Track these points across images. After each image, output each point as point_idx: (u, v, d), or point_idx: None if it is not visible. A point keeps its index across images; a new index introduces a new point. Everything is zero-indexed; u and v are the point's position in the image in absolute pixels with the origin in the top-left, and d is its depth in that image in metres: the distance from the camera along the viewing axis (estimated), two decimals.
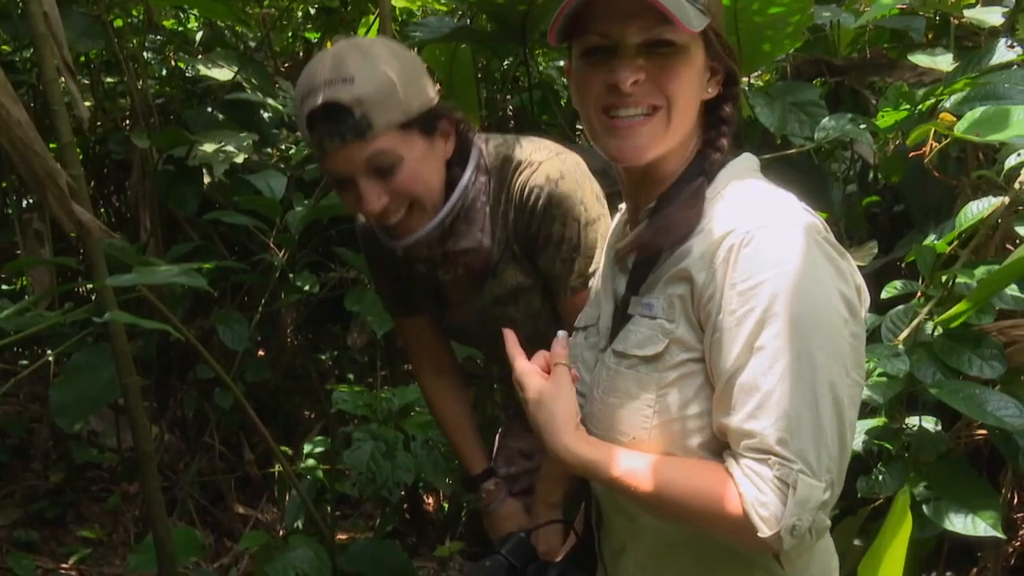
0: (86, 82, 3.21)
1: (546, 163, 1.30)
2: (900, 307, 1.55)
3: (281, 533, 2.41)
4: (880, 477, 1.51)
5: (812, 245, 0.83)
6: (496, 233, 1.34)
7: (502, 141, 1.36)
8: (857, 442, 1.53)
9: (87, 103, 3.32)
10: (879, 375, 1.41)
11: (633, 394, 0.90)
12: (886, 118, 1.75)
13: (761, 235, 0.83)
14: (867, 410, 1.62)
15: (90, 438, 2.85)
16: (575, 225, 1.29)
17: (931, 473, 1.54)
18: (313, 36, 3.45)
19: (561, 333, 0.98)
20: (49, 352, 2.89)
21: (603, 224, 1.31)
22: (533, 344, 1.01)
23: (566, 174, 1.29)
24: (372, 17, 2.96)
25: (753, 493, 0.81)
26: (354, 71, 1.16)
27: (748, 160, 0.97)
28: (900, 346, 1.45)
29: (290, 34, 3.46)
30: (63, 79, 1.38)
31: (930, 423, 1.62)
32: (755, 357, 0.81)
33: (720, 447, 0.87)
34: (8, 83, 1.04)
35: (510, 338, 0.98)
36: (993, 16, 1.76)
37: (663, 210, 0.92)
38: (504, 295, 1.38)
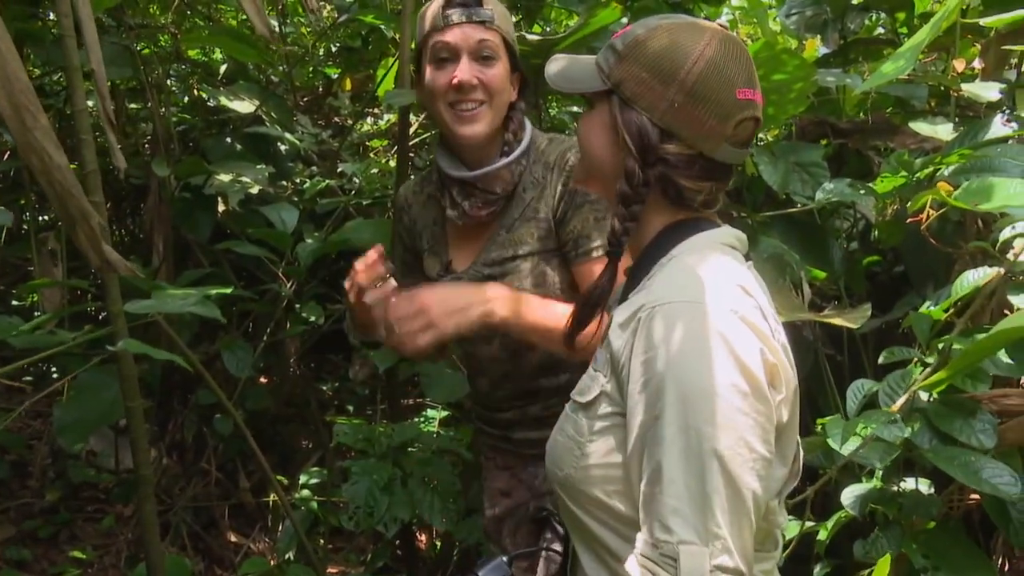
0: (111, 107, 3.29)
1: None
2: (897, 372, 1.58)
3: (272, 563, 2.41)
4: (877, 542, 1.53)
5: (714, 322, 0.88)
6: (527, 188, 1.49)
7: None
8: (854, 506, 1.55)
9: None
10: (876, 441, 1.43)
11: (570, 435, 0.99)
12: (884, 183, 1.80)
13: (664, 311, 0.91)
14: (864, 472, 1.63)
15: (88, 458, 2.87)
16: None
17: (928, 540, 1.56)
18: (332, 72, 3.54)
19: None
20: (55, 371, 2.94)
21: None
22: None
23: None
24: (391, 60, 3.04)
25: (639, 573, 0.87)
26: None
27: (721, 235, 1.02)
28: (896, 413, 1.48)
29: (311, 69, 3.55)
30: (105, 127, 1.48)
31: (924, 486, 1.64)
32: (652, 427, 0.88)
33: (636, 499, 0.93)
34: (51, 130, 1.11)
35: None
36: (991, 92, 1.82)
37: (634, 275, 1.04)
38: (508, 258, 1.47)
